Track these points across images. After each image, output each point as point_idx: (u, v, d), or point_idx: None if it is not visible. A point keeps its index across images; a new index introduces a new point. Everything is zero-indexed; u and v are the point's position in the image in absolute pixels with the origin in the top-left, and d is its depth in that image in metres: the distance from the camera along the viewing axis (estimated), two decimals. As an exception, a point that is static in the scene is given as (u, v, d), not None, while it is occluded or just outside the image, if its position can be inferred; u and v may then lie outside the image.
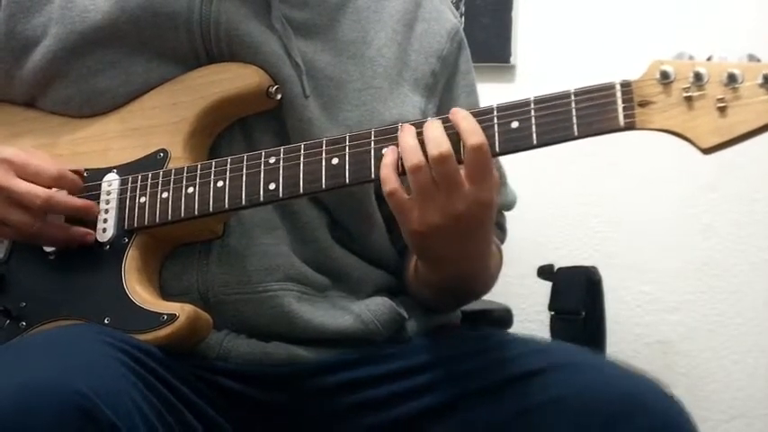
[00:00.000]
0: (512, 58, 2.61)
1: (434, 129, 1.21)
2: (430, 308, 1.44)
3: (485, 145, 1.18)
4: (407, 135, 1.22)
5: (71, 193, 1.33)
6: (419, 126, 1.22)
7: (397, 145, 1.23)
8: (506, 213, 1.58)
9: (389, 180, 1.22)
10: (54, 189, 1.33)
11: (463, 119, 1.20)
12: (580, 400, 1.19)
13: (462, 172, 1.19)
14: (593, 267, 2.39)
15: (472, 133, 1.19)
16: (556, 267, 2.42)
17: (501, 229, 1.57)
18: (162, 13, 1.37)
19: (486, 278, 1.41)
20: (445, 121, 1.22)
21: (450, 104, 1.46)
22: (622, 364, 1.29)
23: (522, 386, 1.23)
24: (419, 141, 1.21)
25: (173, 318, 1.25)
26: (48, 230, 1.33)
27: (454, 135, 1.20)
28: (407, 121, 1.24)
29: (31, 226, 1.32)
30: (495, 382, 1.25)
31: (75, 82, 1.41)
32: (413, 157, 1.20)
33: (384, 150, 1.24)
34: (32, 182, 1.31)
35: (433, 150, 1.19)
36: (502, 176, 1.55)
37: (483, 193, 1.21)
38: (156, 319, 1.26)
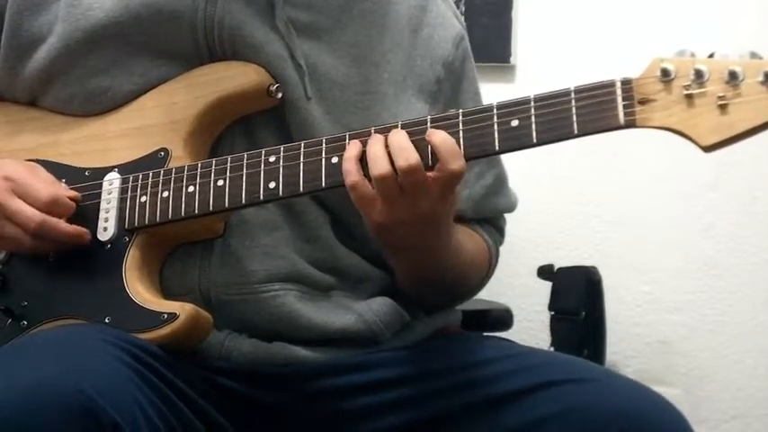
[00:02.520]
0: (512, 58, 2.62)
1: (401, 139, 1.22)
2: (424, 305, 1.45)
3: (462, 170, 1.21)
4: (375, 143, 1.23)
5: (64, 217, 1.33)
6: (386, 130, 1.24)
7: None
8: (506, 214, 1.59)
9: (351, 173, 1.23)
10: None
11: (443, 142, 1.21)
12: (584, 414, 1.19)
13: (430, 175, 1.21)
14: (593, 267, 2.39)
15: (456, 157, 1.20)
16: (556, 267, 2.42)
17: (500, 233, 1.57)
18: (166, 13, 1.37)
19: (465, 270, 1.43)
20: (411, 125, 1.24)
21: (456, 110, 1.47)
22: (622, 377, 1.30)
23: (525, 401, 1.23)
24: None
25: (173, 317, 1.25)
26: (42, 246, 1.33)
27: (421, 141, 1.22)
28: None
29: (24, 242, 1.32)
30: (497, 396, 1.25)
31: (77, 81, 1.41)
32: (379, 166, 1.21)
33: (348, 144, 1.25)
34: (28, 203, 1.32)
35: (402, 163, 1.20)
36: (503, 179, 1.55)
37: (450, 192, 1.23)
38: (157, 318, 1.26)
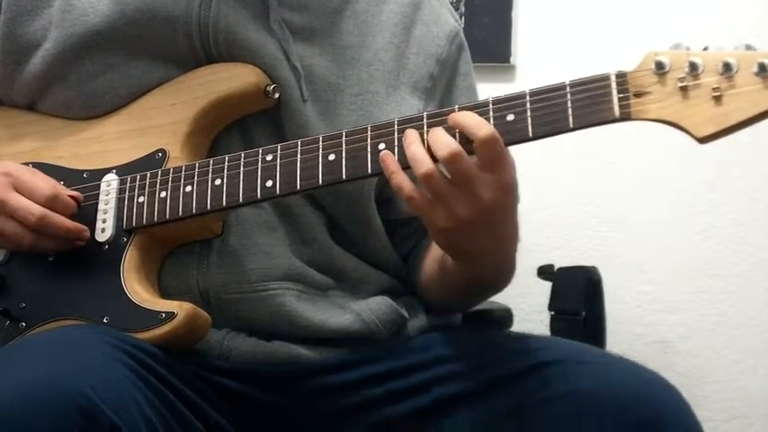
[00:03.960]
0: (512, 58, 2.61)
1: (438, 133, 1.19)
2: (440, 310, 1.45)
3: (495, 134, 1.17)
4: (413, 143, 1.20)
5: (63, 215, 1.33)
6: (419, 128, 1.22)
7: (392, 140, 1.23)
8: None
9: (404, 186, 1.20)
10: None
11: (464, 116, 1.19)
12: (584, 394, 1.19)
13: (477, 164, 1.18)
14: (593, 267, 2.38)
15: (480, 126, 1.17)
16: (556, 267, 2.40)
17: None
18: (161, 17, 1.38)
19: (510, 268, 1.39)
20: (406, 122, 1.22)
21: (450, 107, 1.46)
22: (621, 357, 1.29)
23: (525, 381, 1.23)
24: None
25: (171, 316, 1.25)
26: (42, 243, 1.33)
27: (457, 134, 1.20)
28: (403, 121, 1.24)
29: (24, 239, 1.32)
30: (497, 377, 1.25)
31: (74, 85, 1.41)
32: (423, 165, 1.18)
33: (381, 155, 1.22)
34: (28, 198, 1.32)
35: (443, 151, 1.17)
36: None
37: (504, 177, 1.19)
38: (155, 318, 1.26)
